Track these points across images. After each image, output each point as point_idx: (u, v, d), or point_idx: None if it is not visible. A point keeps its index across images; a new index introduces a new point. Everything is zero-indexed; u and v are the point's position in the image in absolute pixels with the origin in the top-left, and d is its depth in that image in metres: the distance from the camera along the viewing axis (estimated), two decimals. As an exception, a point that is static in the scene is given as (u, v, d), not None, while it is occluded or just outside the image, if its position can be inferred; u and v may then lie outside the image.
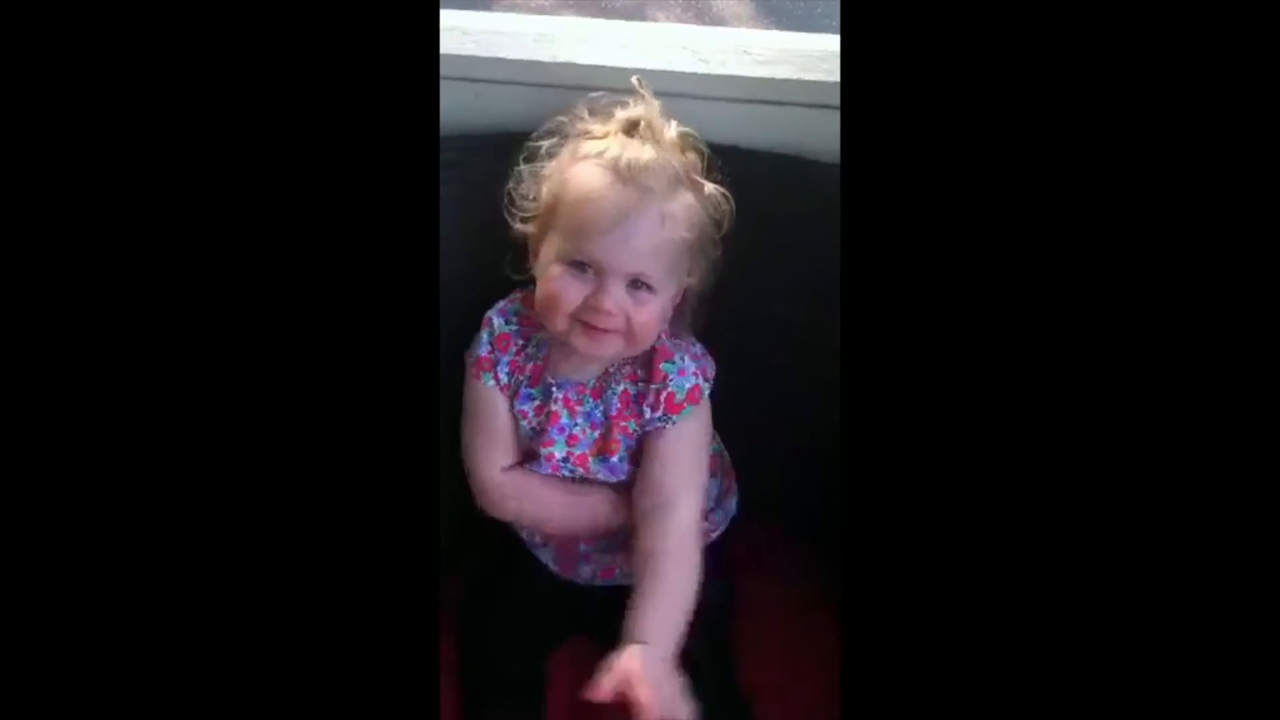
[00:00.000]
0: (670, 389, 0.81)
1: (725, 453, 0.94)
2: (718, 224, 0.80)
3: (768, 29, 2.54)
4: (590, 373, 0.84)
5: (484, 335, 0.85)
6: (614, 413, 0.83)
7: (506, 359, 0.85)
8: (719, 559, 0.92)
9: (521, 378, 0.85)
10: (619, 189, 0.75)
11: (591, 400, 0.84)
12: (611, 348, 0.79)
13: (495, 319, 0.86)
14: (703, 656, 0.84)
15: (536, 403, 0.84)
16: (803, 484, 0.90)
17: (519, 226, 0.82)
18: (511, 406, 0.85)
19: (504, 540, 0.92)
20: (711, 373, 0.84)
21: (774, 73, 0.84)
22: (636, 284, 0.77)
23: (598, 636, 0.88)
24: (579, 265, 0.76)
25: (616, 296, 0.76)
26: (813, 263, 0.79)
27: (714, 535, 0.91)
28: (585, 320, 0.77)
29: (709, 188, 0.80)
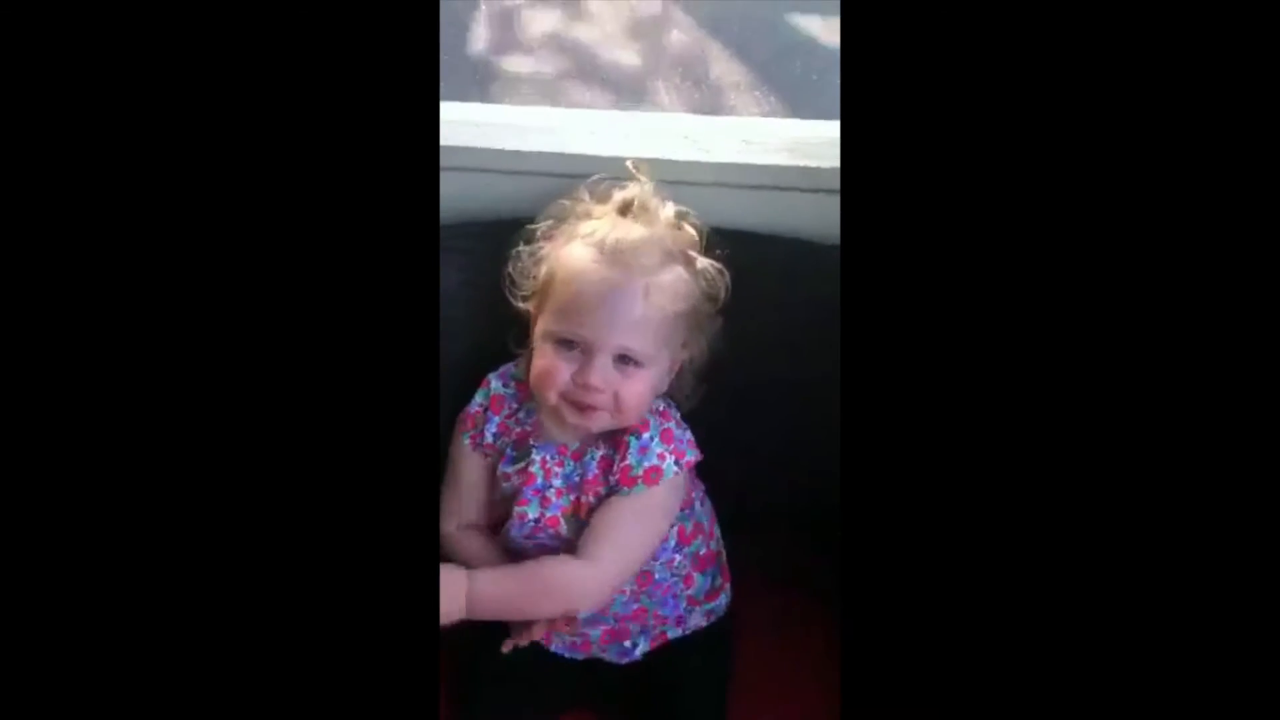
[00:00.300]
0: (628, 461, 0.81)
1: (724, 552, 0.93)
2: (713, 298, 0.82)
3: (766, 96, 2.59)
4: (574, 438, 0.85)
5: (478, 395, 0.87)
6: (590, 476, 0.84)
7: (498, 419, 0.86)
8: (726, 631, 0.92)
9: (508, 440, 0.86)
10: (603, 267, 0.77)
11: (571, 463, 0.85)
12: (600, 423, 0.80)
13: (494, 381, 0.88)
14: (697, 681, 0.86)
15: (519, 466, 0.85)
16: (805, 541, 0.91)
17: (518, 305, 0.84)
18: (494, 468, 0.86)
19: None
20: (689, 460, 0.83)
21: (774, 160, 0.87)
22: (624, 359, 0.78)
23: (594, 707, 0.90)
24: (567, 343, 0.78)
25: (603, 372, 0.77)
26: (814, 344, 0.81)
27: (690, 623, 0.91)
28: (574, 398, 0.79)
29: (702, 262, 0.81)
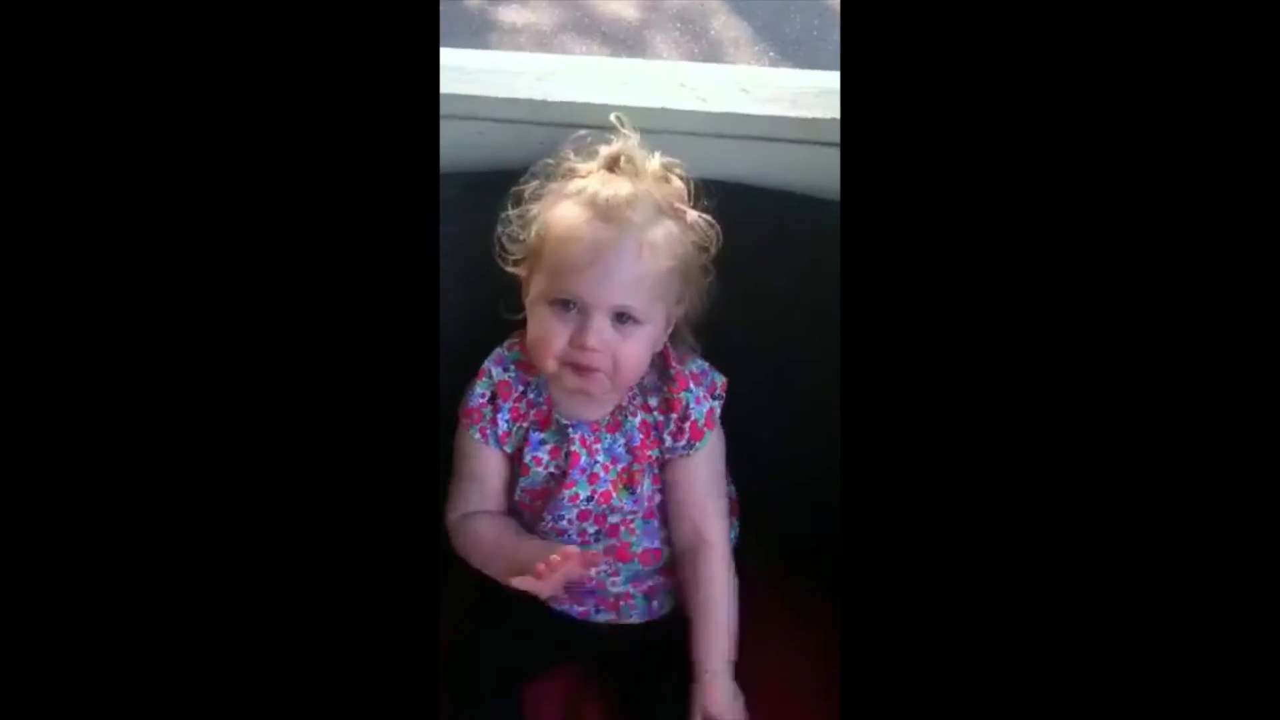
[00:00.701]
0: (693, 417, 0.82)
1: (732, 486, 0.93)
2: (704, 249, 0.81)
3: (764, 52, 2.55)
4: (602, 409, 0.84)
5: (478, 386, 0.85)
6: (637, 444, 0.84)
7: (508, 405, 0.85)
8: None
9: (528, 424, 0.85)
10: (597, 225, 0.76)
11: (609, 435, 0.84)
12: (599, 385, 0.79)
13: (493, 368, 0.85)
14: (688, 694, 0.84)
15: (551, 445, 0.84)
16: (805, 510, 0.90)
17: (509, 269, 0.83)
18: (519, 456, 0.85)
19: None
20: (720, 387, 0.85)
21: (772, 110, 0.85)
22: (622, 317, 0.77)
23: (585, 667, 0.89)
24: (563, 303, 0.77)
25: (600, 331, 0.76)
26: (812, 299, 0.80)
27: None
28: (572, 360, 0.78)
29: (692, 215, 0.80)
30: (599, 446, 0.83)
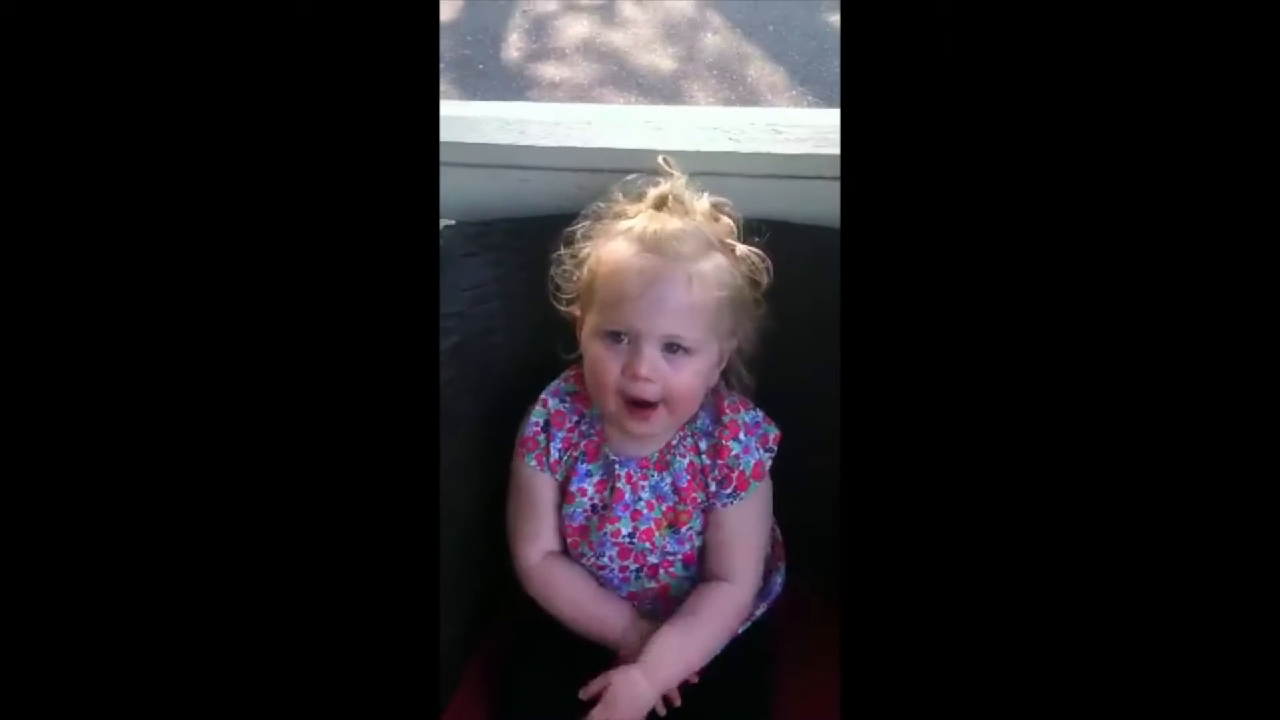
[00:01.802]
0: (741, 467, 0.83)
1: (777, 528, 0.94)
2: (755, 283, 0.82)
3: (802, 96, 2.58)
4: (651, 447, 0.85)
5: (534, 414, 0.87)
6: (684, 485, 0.84)
7: (561, 434, 0.86)
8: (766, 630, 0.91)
9: (577, 454, 0.86)
10: (645, 256, 0.78)
11: (656, 474, 0.85)
12: (658, 423, 0.81)
13: (549, 399, 0.87)
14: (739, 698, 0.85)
15: (597, 479, 0.85)
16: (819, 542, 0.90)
17: (563, 310, 0.85)
18: (566, 485, 0.86)
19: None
20: (773, 440, 0.85)
21: (803, 149, 0.87)
22: (673, 348, 0.79)
23: None
24: (615, 335, 0.79)
25: (651, 360, 0.78)
26: (824, 326, 0.80)
27: (758, 614, 0.90)
28: (627, 395, 0.79)
29: (742, 248, 0.82)
30: (645, 484, 0.85)
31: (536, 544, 0.87)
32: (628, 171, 0.85)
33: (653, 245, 0.79)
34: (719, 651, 0.85)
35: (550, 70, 2.68)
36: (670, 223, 0.80)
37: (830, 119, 0.89)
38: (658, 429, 0.82)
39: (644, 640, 0.82)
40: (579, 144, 0.90)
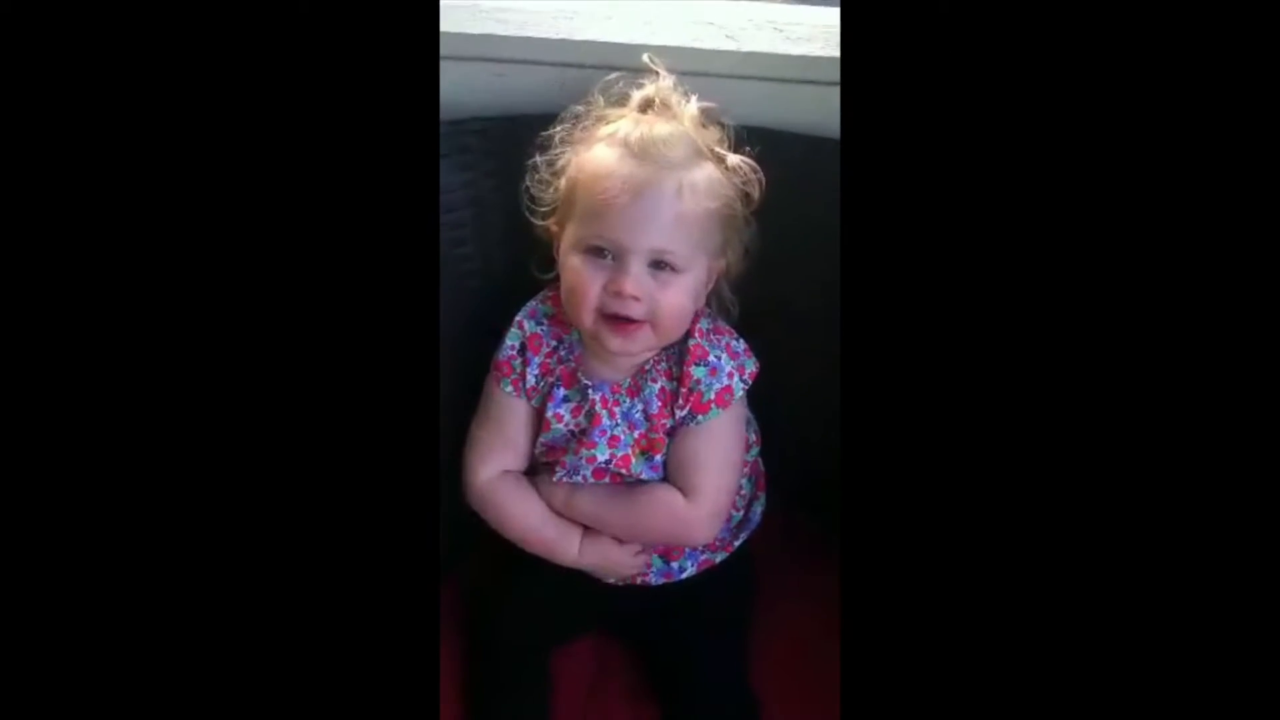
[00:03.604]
0: (699, 390, 0.78)
1: (760, 460, 0.90)
2: (747, 196, 0.76)
3: None
4: (624, 371, 0.80)
5: (509, 337, 0.82)
6: (654, 411, 0.79)
7: (538, 360, 0.81)
8: (745, 557, 0.89)
9: (553, 379, 0.81)
10: (632, 164, 0.72)
11: (628, 399, 0.80)
12: (641, 342, 0.76)
13: (526, 320, 0.82)
14: (716, 653, 0.83)
15: (573, 404, 0.81)
16: (811, 467, 0.87)
17: (540, 223, 0.79)
18: (541, 412, 0.82)
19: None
20: (751, 372, 0.80)
21: (807, 50, 0.80)
22: (659, 265, 0.73)
23: (613, 632, 0.88)
24: (598, 251, 0.73)
25: (637, 278, 0.72)
26: (821, 240, 0.74)
27: (735, 544, 0.88)
28: (609, 312, 0.74)
29: (733, 159, 0.75)
30: (619, 410, 0.80)
31: (493, 461, 0.83)
32: (613, 69, 0.78)
33: (639, 151, 0.72)
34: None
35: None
36: (658, 127, 0.73)
37: (835, 18, 0.82)
38: (639, 348, 0.77)
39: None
40: (561, 36, 0.82)
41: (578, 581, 0.85)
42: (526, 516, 0.82)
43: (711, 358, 0.78)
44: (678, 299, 0.74)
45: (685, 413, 0.78)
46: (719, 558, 0.86)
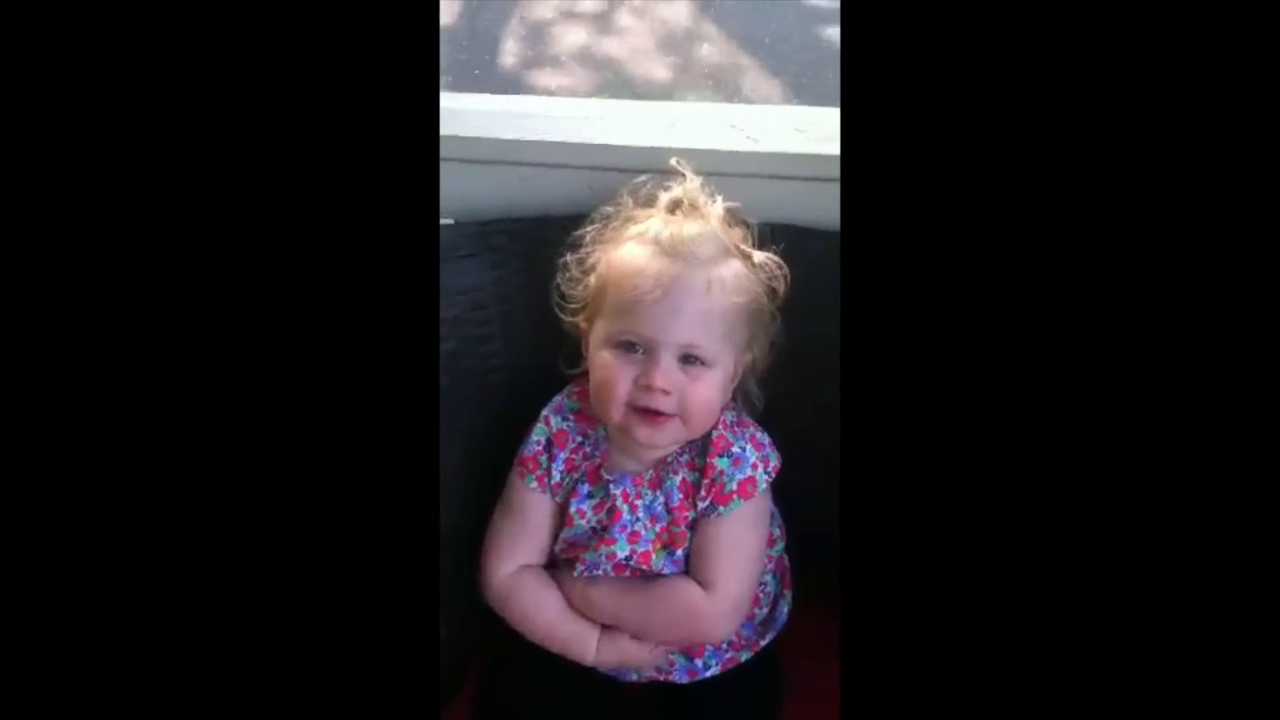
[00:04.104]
0: (721, 480, 0.78)
1: (786, 557, 0.89)
2: (773, 292, 0.78)
3: (798, 107, 2.56)
4: (646, 463, 0.80)
5: (535, 432, 0.82)
6: (676, 503, 0.79)
7: (563, 455, 0.81)
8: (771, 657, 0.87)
9: (578, 475, 0.81)
10: (663, 261, 0.73)
11: (650, 492, 0.80)
12: (671, 434, 0.76)
13: (552, 417, 0.82)
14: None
15: (595, 500, 0.80)
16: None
17: (569, 319, 0.80)
18: (564, 508, 0.81)
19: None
20: (775, 466, 0.80)
21: (825, 149, 0.82)
22: (689, 359, 0.74)
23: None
24: (628, 345, 0.74)
25: (668, 371, 0.73)
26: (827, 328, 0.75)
27: (761, 644, 0.86)
28: (639, 405, 0.74)
29: (760, 256, 0.77)
30: (640, 503, 0.79)
31: (513, 557, 0.82)
32: (638, 171, 0.80)
33: (670, 249, 0.74)
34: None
35: (546, 77, 2.64)
36: (687, 226, 0.75)
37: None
38: (667, 440, 0.77)
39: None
40: (586, 140, 0.84)
41: (599, 679, 0.83)
42: (543, 612, 0.81)
43: (735, 448, 0.78)
44: (707, 393, 0.75)
45: (707, 504, 0.78)
46: (744, 656, 0.85)
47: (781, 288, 0.78)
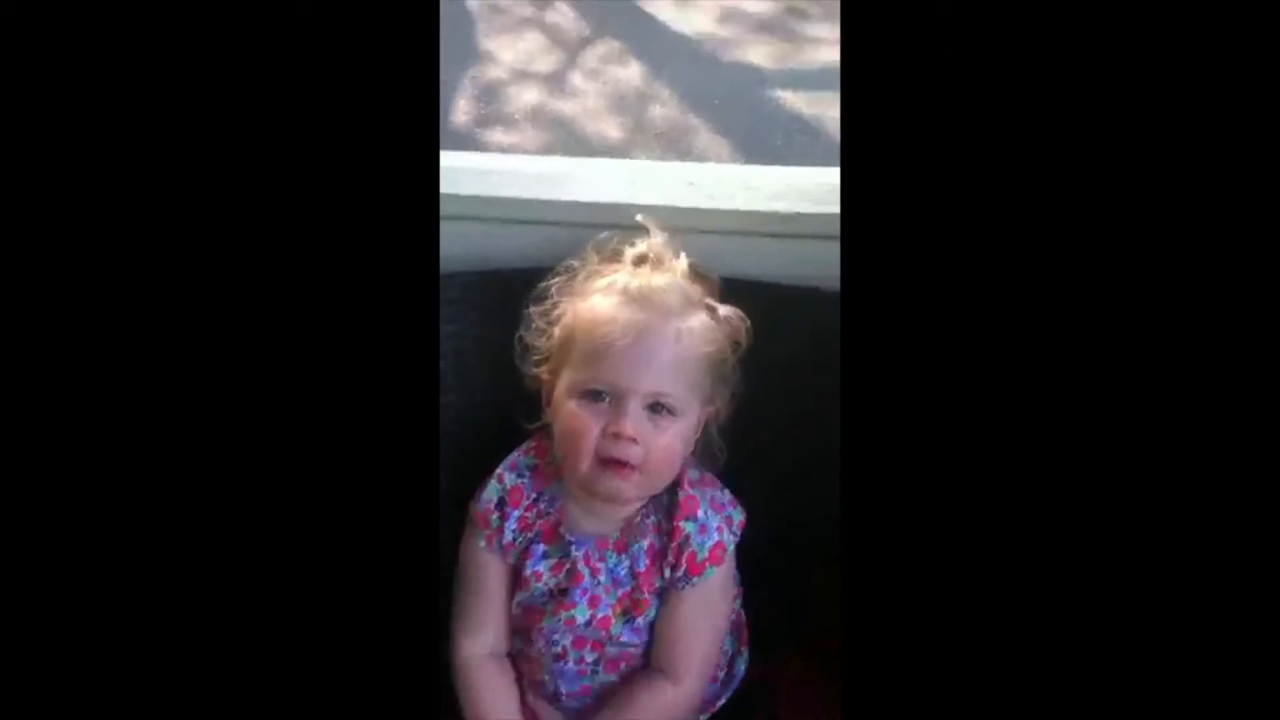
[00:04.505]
0: (691, 548, 0.76)
1: (742, 611, 0.88)
2: (736, 345, 0.78)
3: (746, 164, 2.61)
4: (611, 524, 0.79)
5: (488, 489, 0.80)
6: (641, 569, 0.77)
7: (517, 514, 0.79)
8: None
9: (532, 534, 0.79)
10: (631, 309, 0.74)
11: (615, 555, 0.78)
12: (635, 487, 0.75)
13: (506, 473, 0.80)
14: None
15: (553, 561, 0.78)
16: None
17: (533, 372, 0.80)
18: (520, 569, 0.79)
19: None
20: (739, 522, 0.80)
21: (777, 206, 0.85)
22: (657, 407, 0.73)
23: None
24: (595, 394, 0.74)
25: (635, 419, 0.72)
26: (815, 392, 0.77)
27: (718, 704, 0.84)
28: (605, 456, 0.73)
29: (724, 309, 0.78)
30: (600, 567, 0.78)
31: (478, 638, 0.79)
32: (599, 227, 0.81)
33: (639, 298, 0.75)
34: None
35: (499, 136, 2.67)
36: (655, 277, 0.76)
37: (807, 176, 0.87)
38: (633, 493, 0.76)
39: None
40: (548, 196, 0.86)
41: None
42: (494, 711, 0.78)
43: (701, 513, 0.77)
44: (671, 443, 0.75)
45: (681, 574, 0.76)
46: (702, 719, 0.83)
47: (744, 340, 0.79)
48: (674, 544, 0.77)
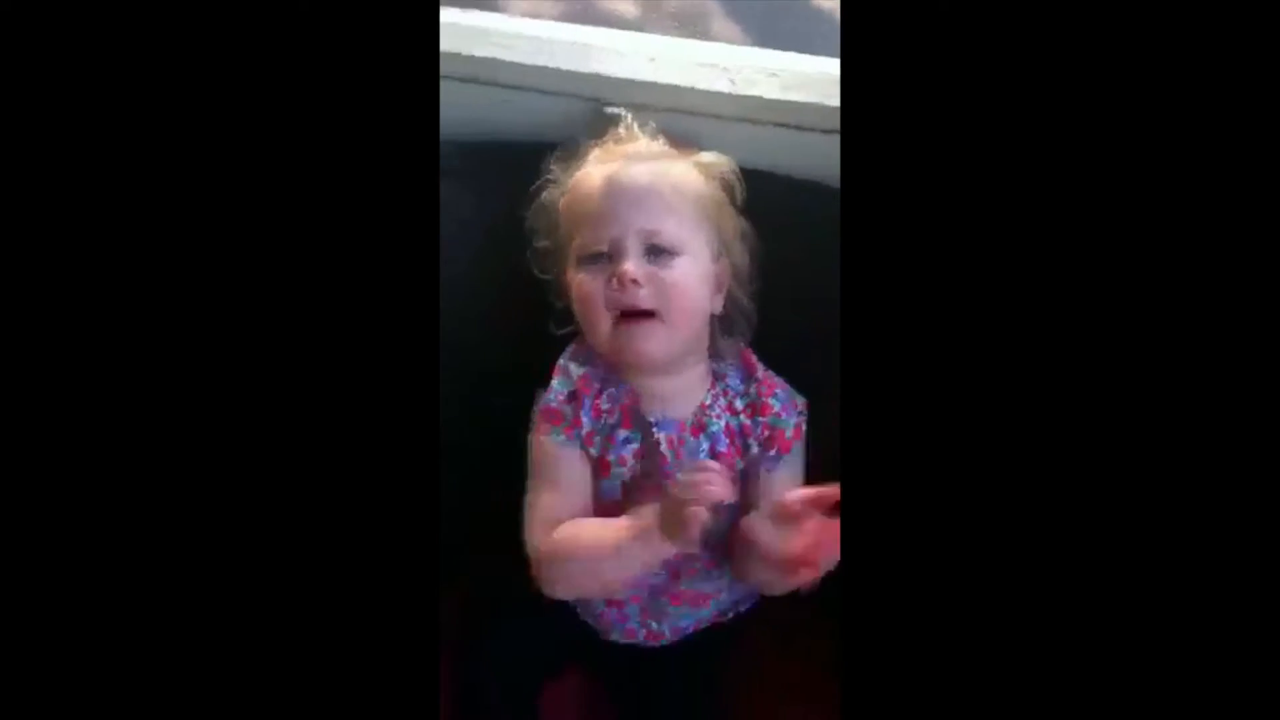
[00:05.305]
0: (780, 426, 0.76)
1: None
2: (729, 187, 0.78)
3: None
4: (687, 407, 0.77)
5: (556, 384, 0.76)
6: (723, 449, 0.76)
7: (589, 399, 0.75)
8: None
9: (612, 420, 0.76)
10: (611, 168, 0.75)
11: (692, 438, 0.76)
12: (661, 339, 0.72)
13: (570, 364, 0.77)
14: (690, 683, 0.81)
15: (635, 445, 0.75)
16: None
17: (547, 277, 0.79)
18: (602, 456, 0.75)
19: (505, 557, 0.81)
20: (802, 405, 0.78)
21: (800, 97, 0.84)
22: (655, 250, 0.72)
23: (592, 665, 0.84)
24: (594, 257, 0.73)
25: (637, 262, 0.71)
26: (818, 285, 0.75)
27: (743, 607, 0.83)
28: (617, 309, 0.72)
29: (708, 156, 0.78)
30: (684, 450, 0.75)
31: (549, 523, 0.73)
32: (615, 103, 0.82)
33: (617, 154, 0.76)
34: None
35: (517, 2, 2.59)
36: (636, 142, 0.78)
37: (832, 68, 0.86)
38: (661, 348, 0.73)
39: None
40: (574, 67, 0.85)
41: (565, 620, 0.81)
42: (607, 529, 0.71)
43: (781, 392, 0.77)
44: (681, 281, 0.72)
45: (772, 452, 0.75)
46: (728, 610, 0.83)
47: (737, 188, 0.78)
48: (764, 420, 0.76)
